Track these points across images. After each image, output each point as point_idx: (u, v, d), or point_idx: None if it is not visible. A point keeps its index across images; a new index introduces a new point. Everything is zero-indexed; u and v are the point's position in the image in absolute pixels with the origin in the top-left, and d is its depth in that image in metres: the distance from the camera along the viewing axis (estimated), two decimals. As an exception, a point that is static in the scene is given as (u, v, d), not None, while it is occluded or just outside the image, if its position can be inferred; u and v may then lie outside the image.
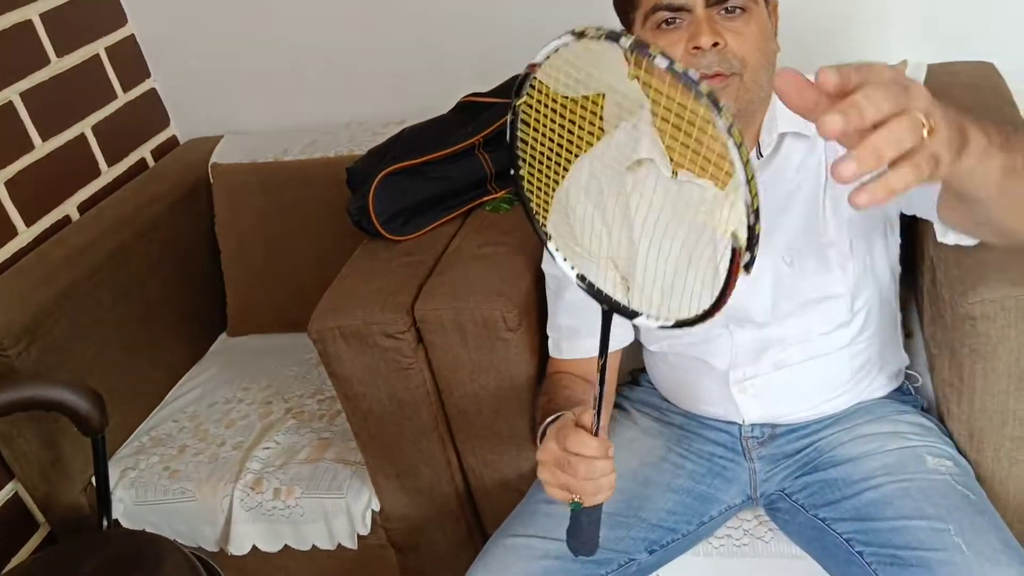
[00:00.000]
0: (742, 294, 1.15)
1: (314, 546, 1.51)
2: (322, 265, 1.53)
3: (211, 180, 1.95)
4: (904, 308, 1.34)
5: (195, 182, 1.95)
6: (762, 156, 1.11)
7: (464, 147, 1.47)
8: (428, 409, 1.34)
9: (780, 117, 1.11)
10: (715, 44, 0.99)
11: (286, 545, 1.52)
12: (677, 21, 1.02)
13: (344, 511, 1.46)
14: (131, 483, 1.59)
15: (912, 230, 1.22)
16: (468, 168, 1.47)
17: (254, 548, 1.53)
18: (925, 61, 1.66)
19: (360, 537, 1.49)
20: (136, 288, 1.77)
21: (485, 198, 1.50)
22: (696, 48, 1.00)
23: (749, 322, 1.17)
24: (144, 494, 1.57)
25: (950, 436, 1.21)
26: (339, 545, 1.50)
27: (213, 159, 1.97)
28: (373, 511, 1.47)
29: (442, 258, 1.39)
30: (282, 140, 1.97)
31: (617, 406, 1.38)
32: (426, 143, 1.48)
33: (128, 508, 1.58)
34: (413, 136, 1.52)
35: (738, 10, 1.01)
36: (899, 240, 1.23)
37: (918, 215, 1.13)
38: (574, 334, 1.23)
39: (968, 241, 1.03)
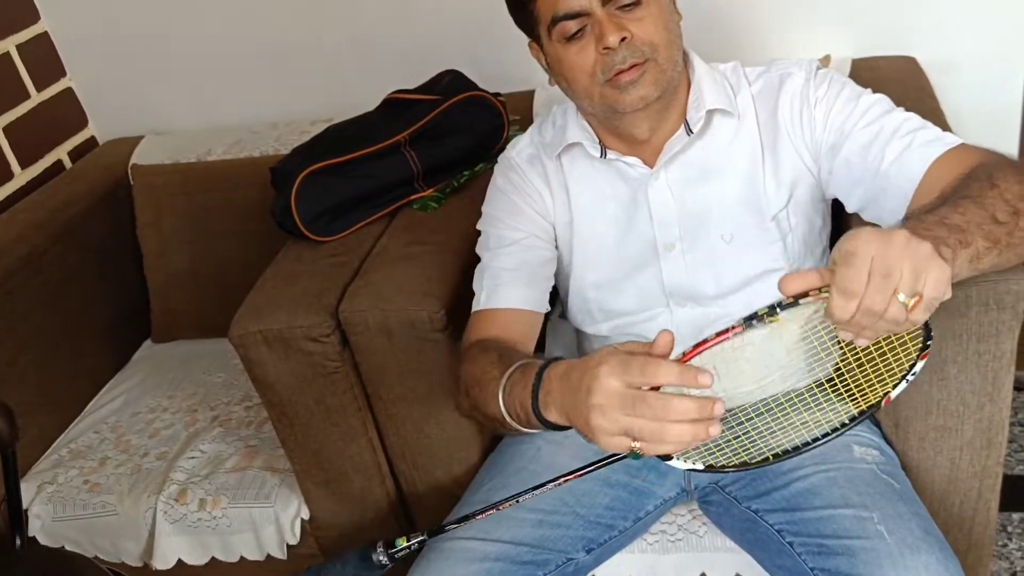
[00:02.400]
0: (682, 274, 1.17)
1: (242, 557, 1.47)
2: (249, 268, 1.49)
3: (131, 181, 1.89)
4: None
5: (115, 184, 1.89)
6: (692, 133, 1.12)
7: (389, 144, 1.44)
8: (356, 414, 1.31)
9: (707, 94, 1.12)
10: (623, 39, 1.02)
11: (213, 557, 1.47)
12: (584, 29, 1.04)
13: (273, 520, 1.42)
14: (48, 498, 1.52)
15: (841, 215, 1.22)
16: (394, 166, 1.44)
17: (180, 562, 1.48)
18: (850, 56, 1.69)
19: (290, 547, 1.45)
20: (53, 295, 1.70)
21: (412, 196, 1.47)
22: (606, 48, 1.03)
23: (690, 300, 1.18)
24: (63, 509, 1.51)
25: (878, 426, 1.22)
26: (268, 556, 1.46)
27: (133, 160, 1.91)
28: (303, 520, 1.43)
29: (368, 258, 1.36)
30: (206, 140, 1.92)
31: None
32: (350, 141, 1.44)
33: (46, 524, 1.51)
34: (337, 134, 1.49)
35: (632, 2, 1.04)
36: (831, 227, 1.24)
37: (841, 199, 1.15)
38: (512, 280, 1.19)
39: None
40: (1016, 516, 1.68)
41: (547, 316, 1.56)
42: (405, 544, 0.90)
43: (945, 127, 1.34)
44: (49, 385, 1.67)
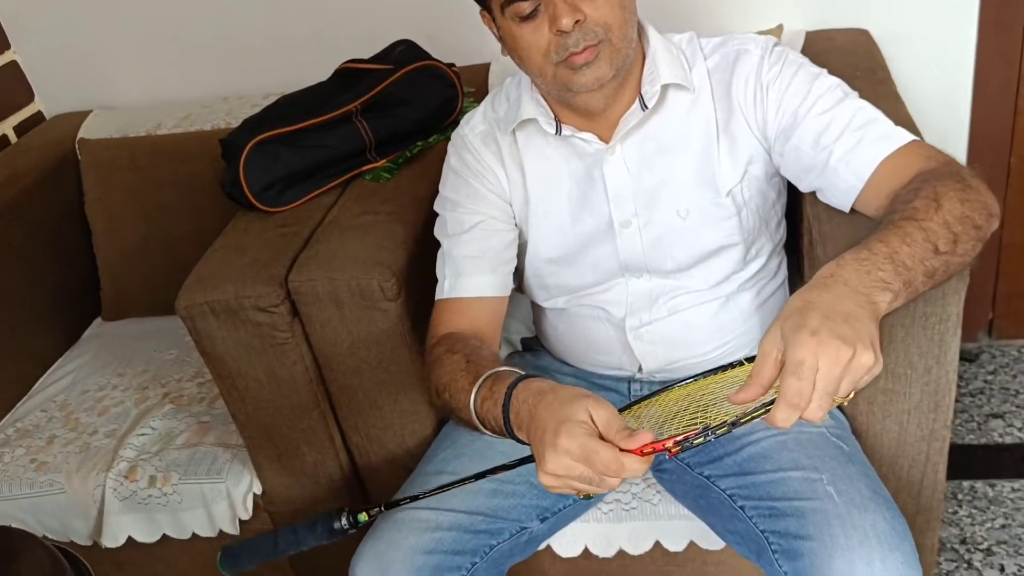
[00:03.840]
0: (638, 250, 1.16)
1: (194, 534, 1.44)
2: (201, 244, 1.46)
3: (79, 156, 1.85)
4: (789, 274, 1.36)
5: (62, 159, 1.85)
6: (647, 108, 1.11)
7: (340, 114, 1.42)
8: (307, 386, 1.29)
9: (662, 68, 1.12)
10: (577, 21, 1.01)
11: (164, 535, 1.45)
12: (538, 9, 1.02)
13: (224, 496, 1.40)
14: (-6, 478, 1.49)
15: (795, 193, 1.23)
16: (346, 136, 1.42)
17: (130, 540, 1.45)
18: (804, 28, 1.69)
19: (242, 522, 1.43)
20: (-3, 272, 1.66)
21: (365, 167, 1.45)
22: (560, 31, 1.01)
23: (646, 272, 1.18)
24: (9, 488, 1.48)
25: (827, 392, 1.23)
26: (220, 531, 1.44)
27: (81, 134, 1.87)
28: (255, 495, 1.41)
29: (319, 228, 1.34)
30: (155, 114, 1.88)
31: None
32: (301, 111, 1.42)
33: (-9, 504, 1.48)
34: (288, 104, 1.46)
35: None
36: (785, 200, 1.25)
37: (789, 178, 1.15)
38: (475, 268, 1.18)
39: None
40: (966, 484, 1.71)
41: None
42: (367, 518, 0.90)
43: (896, 100, 1.36)
44: (-5, 364, 1.63)
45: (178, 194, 1.76)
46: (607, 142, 1.14)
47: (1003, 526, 1.61)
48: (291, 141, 1.39)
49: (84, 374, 1.71)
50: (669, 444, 0.81)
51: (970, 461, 1.75)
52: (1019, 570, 1.53)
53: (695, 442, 0.80)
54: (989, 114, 1.75)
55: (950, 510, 1.66)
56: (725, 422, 0.79)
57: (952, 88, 1.74)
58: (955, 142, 1.77)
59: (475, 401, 1.01)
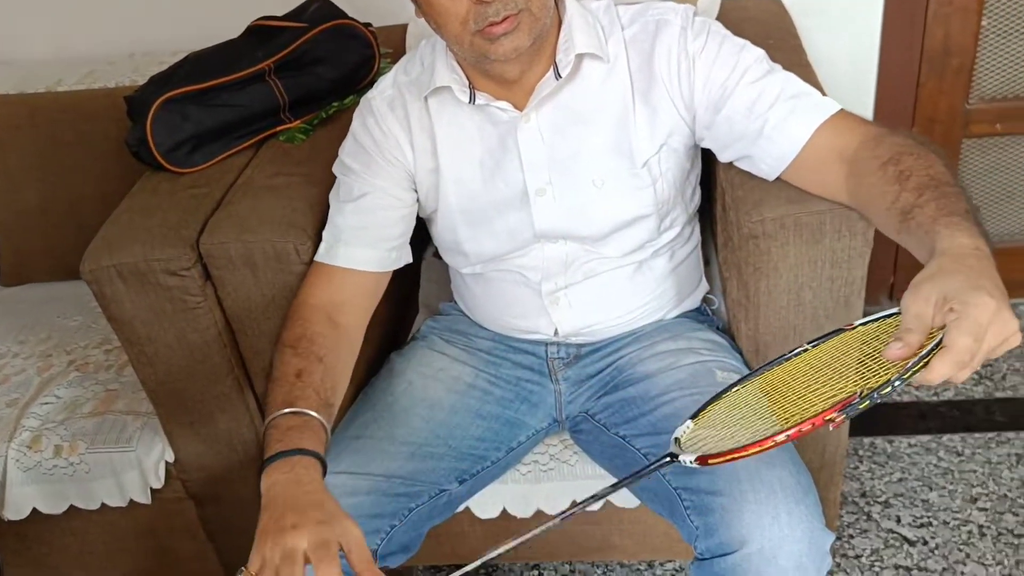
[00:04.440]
0: (553, 219, 1.17)
1: (104, 504, 1.40)
2: (106, 206, 1.40)
3: (-28, 114, 1.75)
4: (703, 238, 1.38)
5: (-47, 117, 1.74)
6: (560, 77, 1.10)
7: (252, 73, 1.37)
8: (221, 351, 1.26)
9: (577, 37, 1.11)
10: None
11: (72, 506, 1.40)
12: None
13: (135, 464, 1.37)
14: None
15: (710, 160, 1.25)
16: (258, 95, 1.38)
17: (35, 511, 1.40)
18: (719, -3, 1.71)
19: (154, 491, 1.39)
20: None
21: (279, 128, 1.41)
22: (480, 2, 0.99)
23: (561, 239, 1.18)
24: (-100, 463, 1.41)
25: (740, 352, 1.27)
26: (131, 501, 1.40)
27: (-25, 90, 1.77)
28: (167, 462, 1.38)
29: (231, 190, 1.30)
30: (56, 70, 1.80)
31: (423, 337, 1.36)
32: (211, 68, 1.37)
33: None
34: (198, 62, 1.41)
35: None
36: (700, 168, 1.26)
37: (708, 146, 1.17)
38: (353, 238, 1.16)
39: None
40: (867, 440, 1.78)
41: (422, 256, 1.56)
42: None
43: (808, 68, 1.39)
44: None
45: (81, 154, 1.69)
46: (522, 109, 1.13)
47: (900, 479, 1.69)
48: (201, 99, 1.34)
49: (-18, 342, 1.64)
50: (832, 415, 0.75)
51: (871, 419, 1.82)
52: (914, 520, 1.61)
53: (860, 407, 0.74)
54: (894, 84, 1.81)
55: (851, 466, 1.73)
56: (889, 379, 0.74)
57: (859, 58, 1.79)
58: (862, 111, 1.81)
59: (269, 419, 0.99)
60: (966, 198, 0.90)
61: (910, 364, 0.74)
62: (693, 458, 0.83)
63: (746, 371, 1.21)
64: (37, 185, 1.71)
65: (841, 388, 0.79)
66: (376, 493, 1.13)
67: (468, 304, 1.34)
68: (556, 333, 1.25)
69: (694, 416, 0.90)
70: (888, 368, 0.77)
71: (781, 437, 0.76)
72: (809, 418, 0.76)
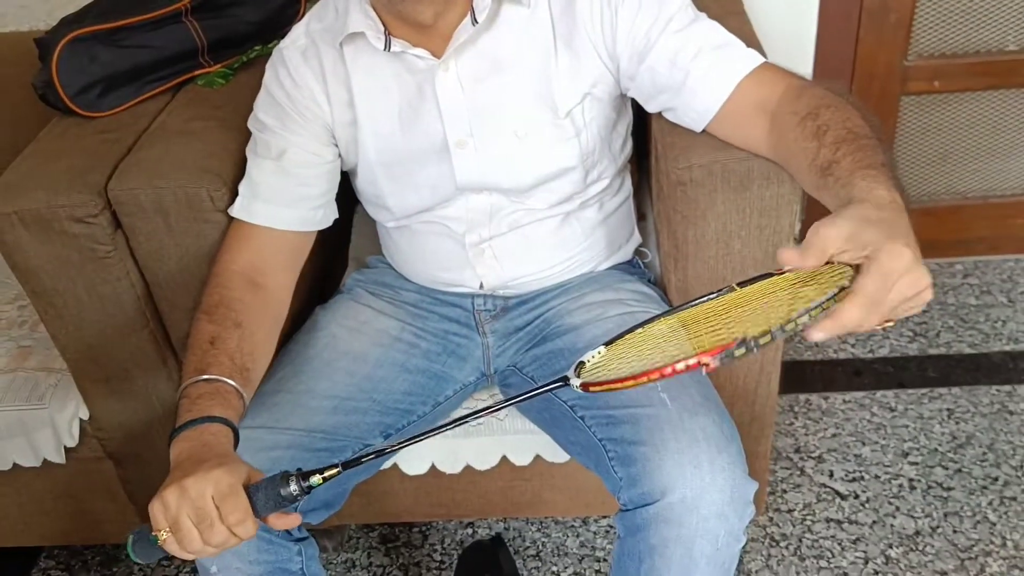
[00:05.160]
0: (475, 171, 1.13)
1: (15, 464, 1.35)
2: (16, 155, 1.34)
3: None
4: (638, 192, 1.36)
5: None
6: (477, 23, 1.06)
7: (168, 13, 1.31)
8: (134, 303, 1.21)
9: None
10: None
11: (-18, 467, 1.35)
12: None
13: (48, 423, 1.31)
14: None
15: (640, 109, 1.22)
16: (174, 37, 1.32)
17: (-58, 473, 1.35)
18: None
19: (69, 450, 1.35)
20: None
21: (197, 72, 1.35)
22: None
23: (485, 190, 1.15)
24: None
25: (670, 304, 1.25)
26: (46, 461, 1.35)
27: None
28: (81, 420, 1.33)
29: (144, 135, 1.24)
30: (-37, 13, 1.70)
31: (348, 290, 1.32)
32: (124, 7, 1.30)
33: None
34: (111, 1, 1.34)
35: None
36: (631, 118, 1.24)
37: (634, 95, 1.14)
38: (272, 196, 1.12)
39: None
40: (802, 397, 1.79)
41: (355, 208, 1.52)
42: (321, 481, 0.84)
43: (742, 17, 1.37)
44: None
45: (-10, 101, 1.61)
46: (440, 57, 1.09)
47: (834, 435, 1.70)
48: (111, 39, 1.28)
49: None
50: (706, 359, 0.72)
51: (806, 376, 1.84)
52: (846, 475, 1.63)
53: (736, 353, 0.72)
54: (833, 39, 1.80)
55: (787, 422, 1.74)
56: (768, 330, 0.71)
57: (799, 12, 1.77)
58: (800, 67, 1.81)
59: (181, 388, 0.97)
60: (883, 150, 0.88)
61: (800, 310, 0.72)
62: (579, 383, 0.81)
63: (675, 322, 1.19)
64: (-58, 133, 1.63)
65: (745, 331, 0.76)
66: (296, 448, 1.10)
67: (394, 257, 1.31)
68: (481, 287, 1.22)
69: (608, 343, 0.86)
70: (792, 317, 0.74)
71: (656, 375, 0.73)
72: (683, 358, 0.73)
